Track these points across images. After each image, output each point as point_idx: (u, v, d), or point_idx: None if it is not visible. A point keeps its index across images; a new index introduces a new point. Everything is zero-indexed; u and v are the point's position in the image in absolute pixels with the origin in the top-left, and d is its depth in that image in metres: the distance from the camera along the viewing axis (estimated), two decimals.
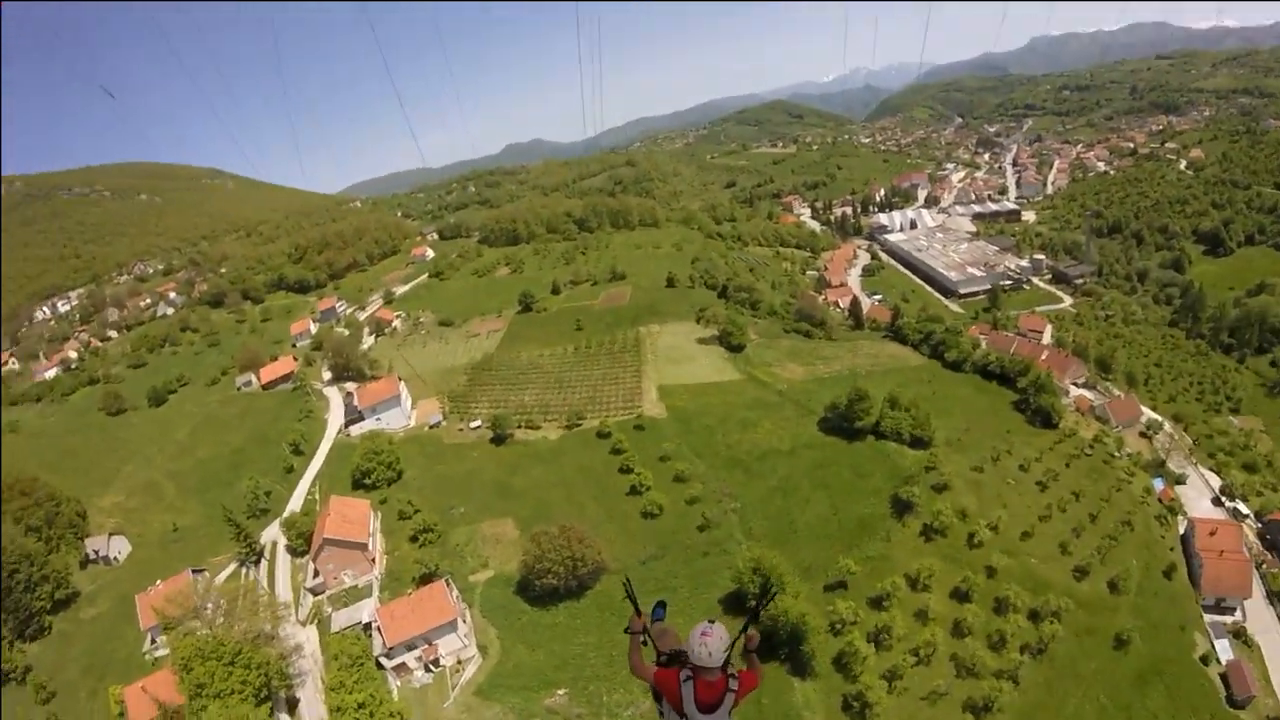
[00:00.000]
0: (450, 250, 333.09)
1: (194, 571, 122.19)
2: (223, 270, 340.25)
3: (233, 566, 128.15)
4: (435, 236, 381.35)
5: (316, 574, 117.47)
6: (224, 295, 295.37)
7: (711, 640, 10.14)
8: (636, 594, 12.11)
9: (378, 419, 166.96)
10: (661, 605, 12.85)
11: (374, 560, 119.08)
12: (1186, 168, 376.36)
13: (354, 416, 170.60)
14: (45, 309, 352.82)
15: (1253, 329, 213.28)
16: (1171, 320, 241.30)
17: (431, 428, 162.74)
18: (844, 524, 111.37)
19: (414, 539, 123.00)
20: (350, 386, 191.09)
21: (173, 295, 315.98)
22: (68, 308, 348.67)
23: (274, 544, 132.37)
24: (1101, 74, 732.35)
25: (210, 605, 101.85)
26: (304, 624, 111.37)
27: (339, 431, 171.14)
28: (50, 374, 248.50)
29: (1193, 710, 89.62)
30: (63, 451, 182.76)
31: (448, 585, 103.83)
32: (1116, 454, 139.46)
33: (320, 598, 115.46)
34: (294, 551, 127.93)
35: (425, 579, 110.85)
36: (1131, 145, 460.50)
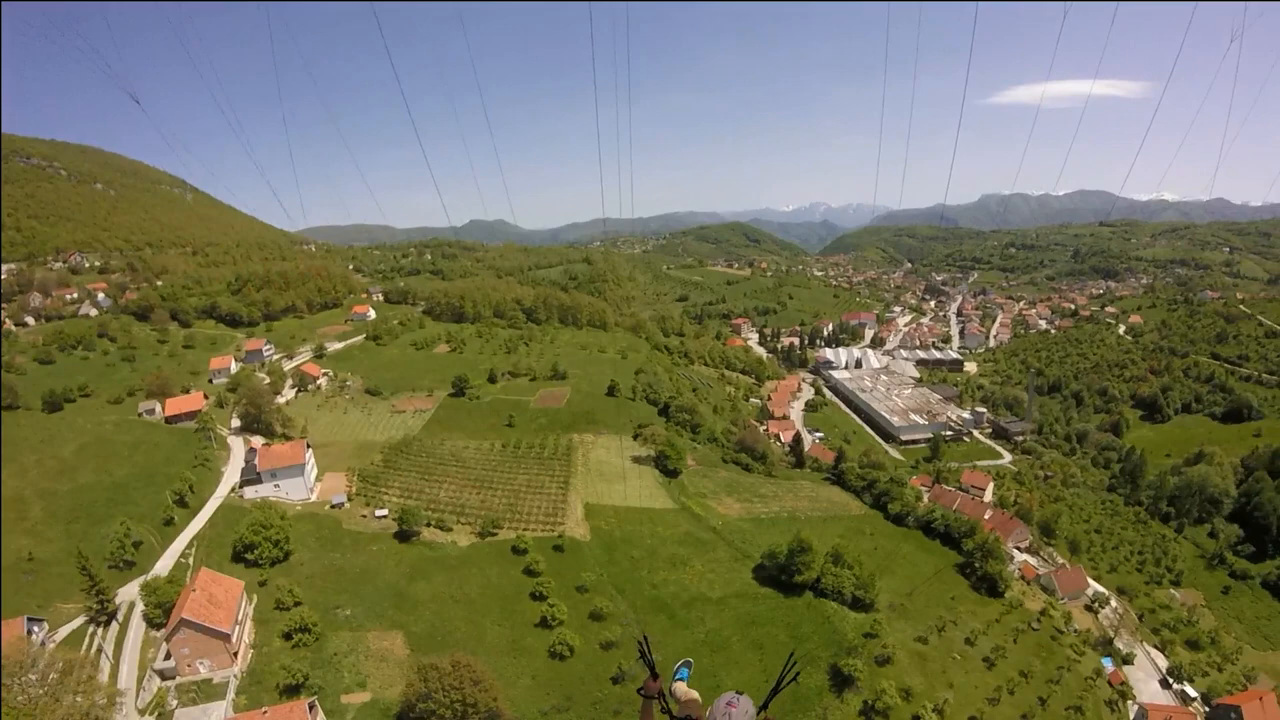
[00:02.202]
0: (393, 315, 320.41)
1: (30, 620, 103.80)
2: (158, 283, 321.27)
3: (80, 620, 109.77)
4: (380, 298, 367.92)
5: (168, 656, 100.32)
6: (152, 309, 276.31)
7: (736, 713, 9.09)
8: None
9: (276, 485, 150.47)
10: (687, 665, 11.85)
11: (237, 654, 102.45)
12: (1126, 332, 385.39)
13: (251, 477, 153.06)
14: None
15: (1192, 499, 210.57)
16: (1110, 485, 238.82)
17: (333, 507, 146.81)
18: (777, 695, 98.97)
19: (288, 637, 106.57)
20: (257, 440, 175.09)
21: (100, 296, 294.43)
22: None
23: (131, 605, 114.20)
24: (1046, 235, 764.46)
25: (36, 672, 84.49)
26: (141, 713, 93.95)
27: (232, 489, 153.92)
28: None
29: None
30: None
31: (311, 711, 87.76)
32: (1064, 629, 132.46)
33: (167, 685, 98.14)
34: (151, 622, 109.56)
35: (290, 690, 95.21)
36: (1073, 306, 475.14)
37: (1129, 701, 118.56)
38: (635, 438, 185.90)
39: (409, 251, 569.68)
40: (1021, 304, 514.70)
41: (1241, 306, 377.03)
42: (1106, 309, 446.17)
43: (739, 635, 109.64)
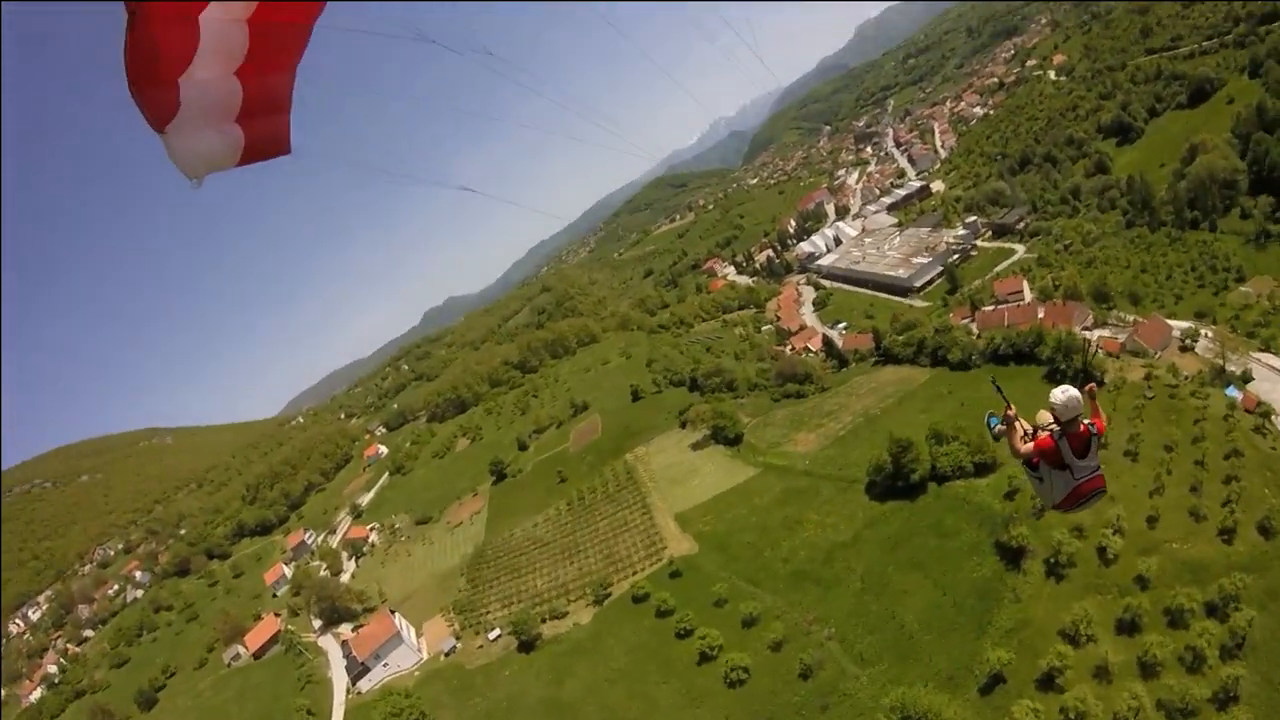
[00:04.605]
0: (402, 439, 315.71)
1: None
2: (182, 531, 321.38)
3: None
4: (383, 430, 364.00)
5: None
6: (188, 561, 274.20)
7: (1071, 392, 13.74)
8: None
9: (384, 665, 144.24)
10: (993, 415, 16.58)
11: None
12: (1057, 76, 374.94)
13: (357, 670, 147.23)
14: (18, 621, 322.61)
15: (1208, 192, 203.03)
16: (1128, 221, 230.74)
17: (447, 656, 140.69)
18: (960, 602, 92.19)
19: None
20: (345, 630, 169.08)
21: (138, 574, 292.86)
22: (38, 615, 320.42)
23: None
24: (934, 31, 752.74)
25: None
26: None
27: (348, 692, 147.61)
28: (35, 696, 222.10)
29: None
30: None
31: None
32: (1176, 382, 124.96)
33: None
34: None
35: None
36: (996, 79, 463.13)
37: (1273, 418, 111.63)
38: (682, 426, 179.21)
39: (386, 372, 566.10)
40: (948, 104, 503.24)
41: None
42: (1027, 64, 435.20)
43: (892, 564, 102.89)
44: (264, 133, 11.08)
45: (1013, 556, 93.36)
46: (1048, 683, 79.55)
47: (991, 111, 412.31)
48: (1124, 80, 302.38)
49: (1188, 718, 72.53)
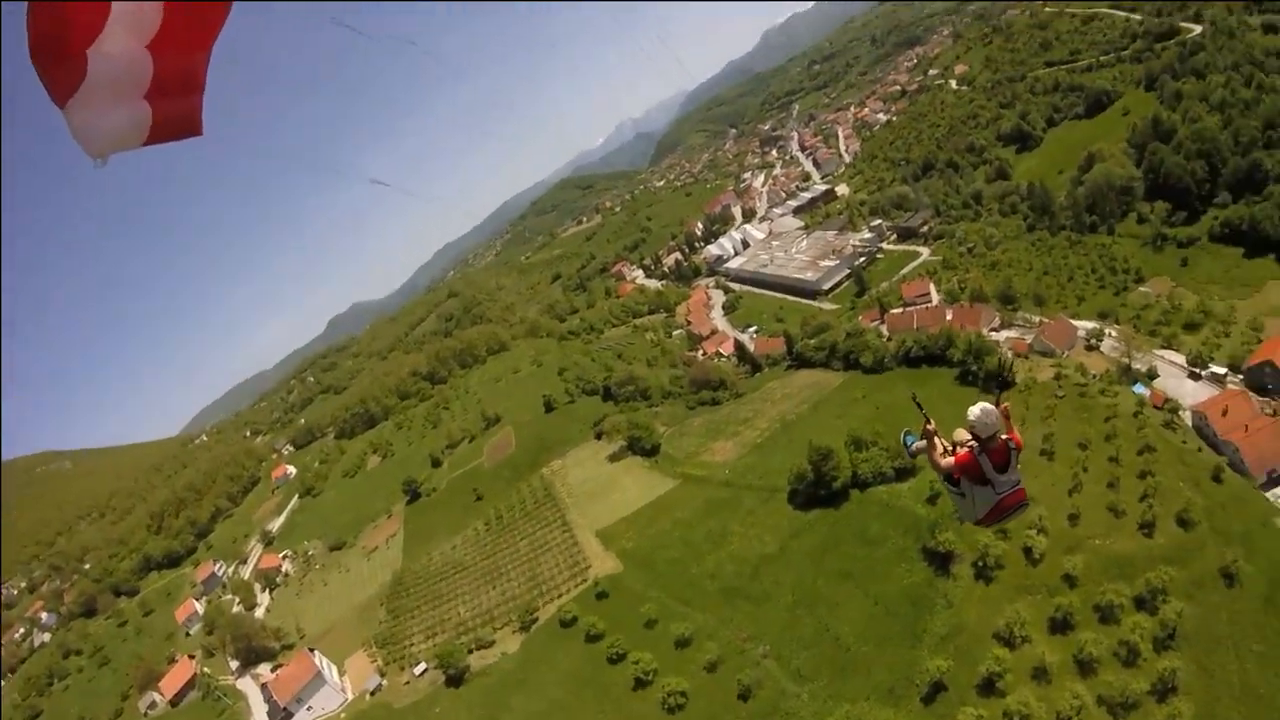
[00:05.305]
0: (311, 458, 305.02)
1: None
2: (86, 566, 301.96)
3: None
4: (290, 448, 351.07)
5: None
6: (95, 599, 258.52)
7: (990, 411, 13.80)
8: None
9: (308, 709, 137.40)
10: (910, 433, 17.29)
11: None
12: (959, 85, 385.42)
13: (280, 715, 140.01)
14: None
15: (1106, 198, 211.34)
16: (1029, 226, 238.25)
17: (373, 695, 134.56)
18: (892, 611, 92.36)
19: None
20: (264, 670, 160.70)
21: (44, 616, 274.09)
22: None
23: None
24: (838, 38, 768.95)
25: None
26: None
27: None
28: None
29: None
30: None
31: None
32: (1085, 381, 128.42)
33: None
34: None
35: None
36: (899, 87, 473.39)
37: (1180, 413, 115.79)
38: (598, 438, 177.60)
39: (292, 386, 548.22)
40: (852, 109, 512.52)
41: (1046, 9, 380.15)
42: (929, 74, 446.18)
43: (821, 575, 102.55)
44: (174, 112, 10.59)
45: (941, 561, 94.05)
46: (989, 687, 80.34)
47: (894, 118, 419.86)
48: (1023, 91, 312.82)
49: (1129, 711, 74.17)
